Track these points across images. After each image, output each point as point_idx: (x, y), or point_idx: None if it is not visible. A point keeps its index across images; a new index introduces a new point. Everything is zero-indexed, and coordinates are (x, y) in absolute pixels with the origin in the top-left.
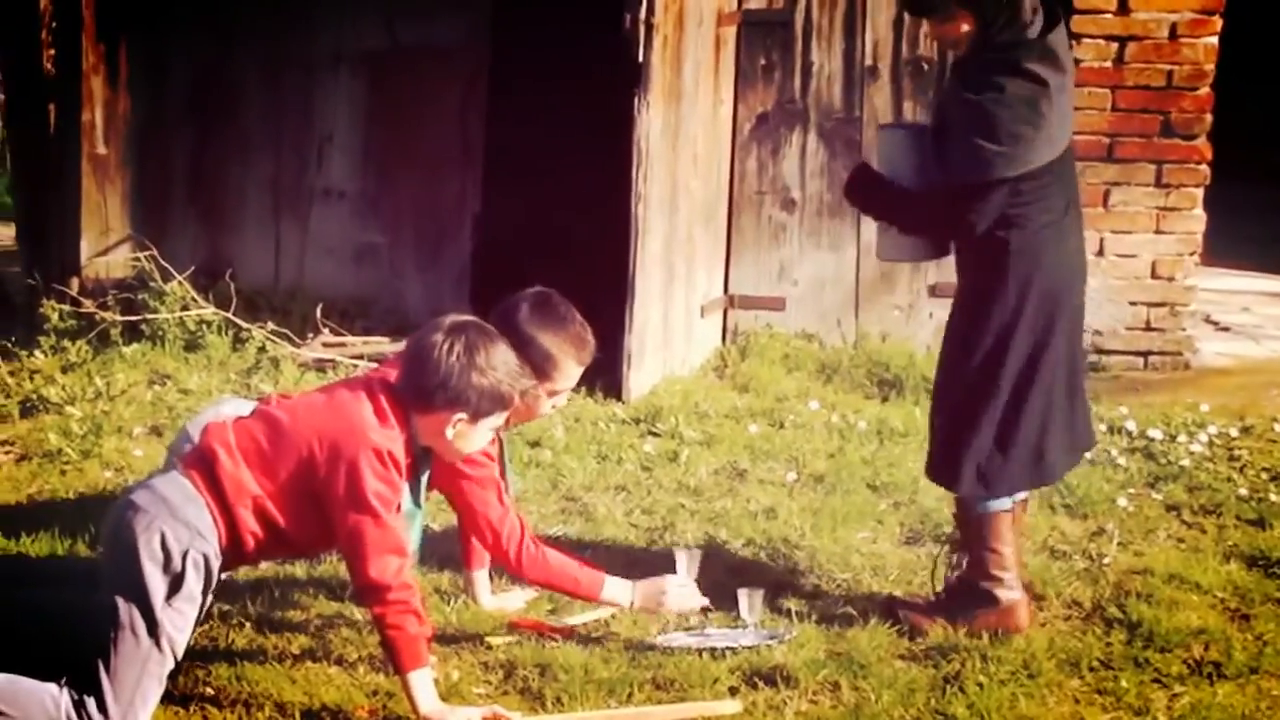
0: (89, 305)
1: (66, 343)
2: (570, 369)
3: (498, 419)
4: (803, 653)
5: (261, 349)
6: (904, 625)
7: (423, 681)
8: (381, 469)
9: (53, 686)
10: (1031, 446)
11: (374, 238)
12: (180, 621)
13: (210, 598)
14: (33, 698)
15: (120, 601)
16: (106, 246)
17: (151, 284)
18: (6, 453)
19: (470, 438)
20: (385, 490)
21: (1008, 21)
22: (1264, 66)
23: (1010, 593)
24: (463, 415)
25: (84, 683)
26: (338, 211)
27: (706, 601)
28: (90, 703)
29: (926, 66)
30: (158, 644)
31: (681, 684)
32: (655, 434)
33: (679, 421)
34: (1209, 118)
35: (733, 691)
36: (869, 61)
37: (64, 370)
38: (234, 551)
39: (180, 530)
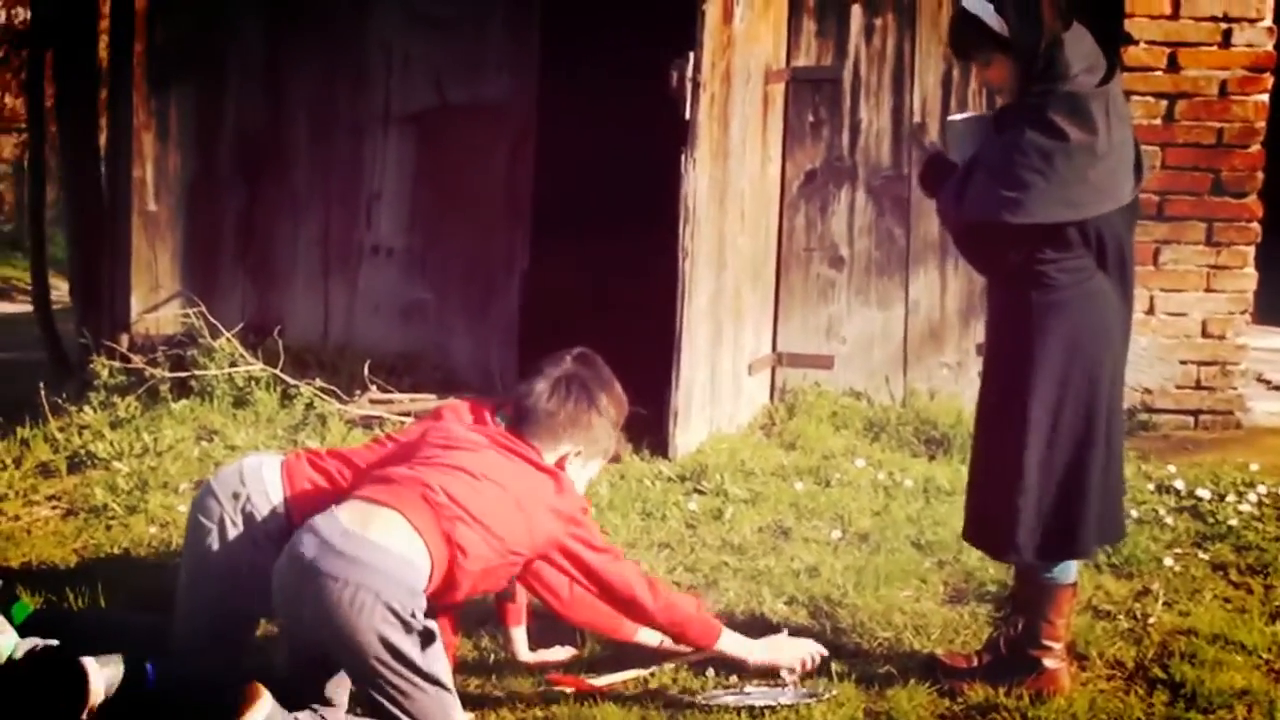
0: (138, 361)
1: (116, 399)
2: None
3: (598, 464)
4: (842, 711)
5: (309, 405)
6: (944, 685)
7: (729, 642)
8: (584, 515)
9: None
10: (1090, 513)
11: (422, 294)
12: (435, 653)
13: None
14: None
15: (387, 673)
16: (156, 303)
17: (200, 340)
18: (54, 508)
19: (579, 476)
20: (593, 525)
21: (1045, 69)
22: None
23: (1056, 661)
24: (579, 450)
25: None
26: (386, 269)
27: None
28: None
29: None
30: (443, 687)
31: None
32: (700, 491)
33: (724, 479)
34: (1260, 175)
35: None
36: (917, 118)
37: (113, 426)
38: (441, 598)
39: (405, 597)
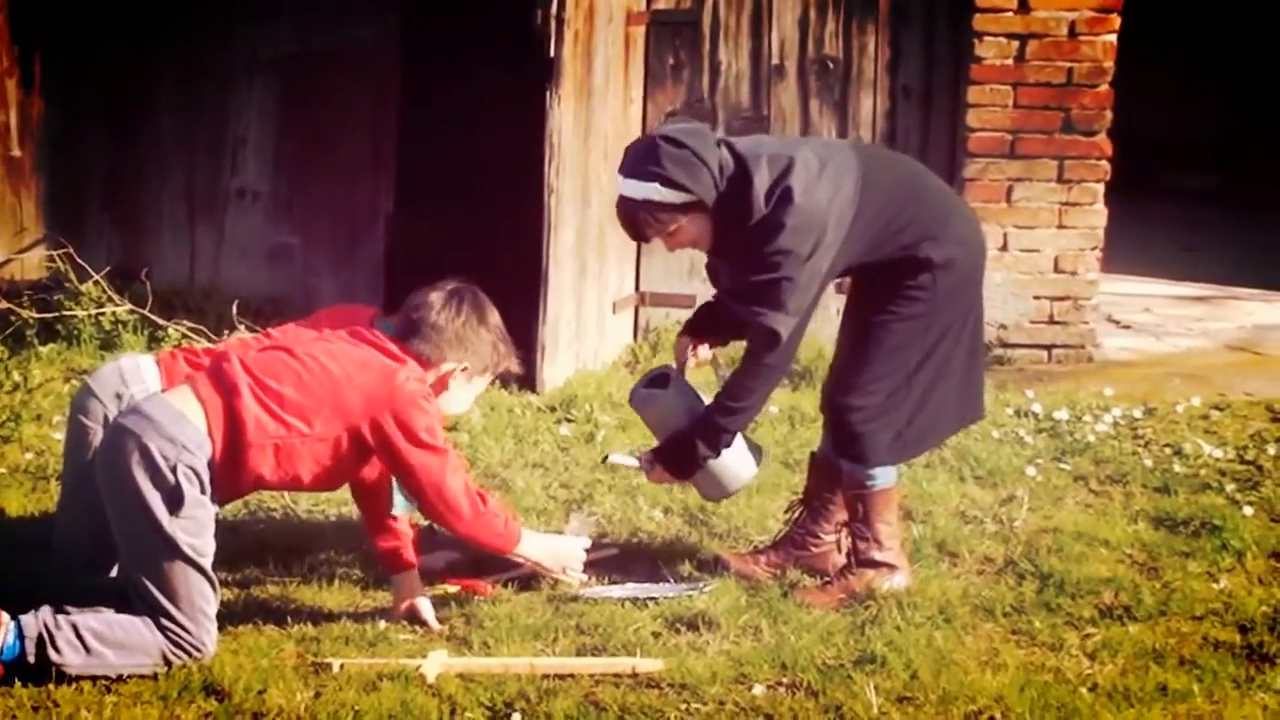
0: (3, 305)
1: None
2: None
3: (485, 380)
4: (723, 601)
5: (177, 346)
6: (731, 573)
7: (529, 540)
8: (425, 403)
9: (137, 618)
10: (934, 415)
11: (288, 238)
12: (194, 527)
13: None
14: (136, 628)
15: (135, 527)
16: (21, 248)
17: (67, 284)
18: None
19: (463, 393)
20: (435, 422)
21: (735, 181)
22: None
23: (901, 558)
24: (466, 366)
25: (148, 607)
26: (252, 213)
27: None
28: (163, 620)
29: (832, 65)
30: (184, 558)
31: (605, 629)
32: (570, 420)
33: (594, 408)
34: (1109, 114)
35: (655, 636)
36: (775, 60)
37: None
38: (233, 481)
39: (166, 446)
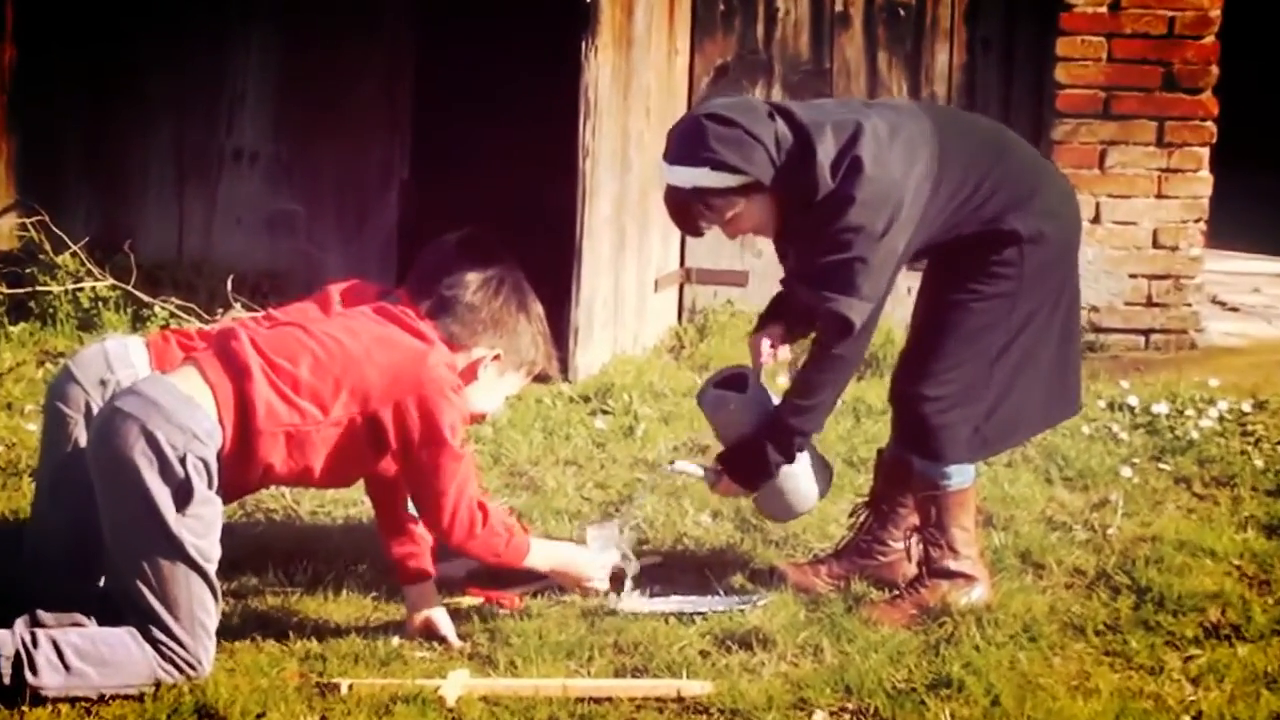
0: None
1: None
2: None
3: (519, 377)
4: (779, 617)
5: (164, 327)
6: (788, 584)
7: (537, 553)
8: (453, 395)
9: (123, 631)
10: (1018, 408)
11: (289, 206)
12: (201, 527)
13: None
14: (122, 642)
15: (134, 524)
16: None
17: (41, 256)
18: None
19: (492, 389)
20: (459, 420)
21: (799, 155)
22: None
23: (980, 568)
24: (499, 354)
25: (139, 616)
26: (249, 177)
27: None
28: (155, 631)
29: (903, 12)
30: (188, 562)
31: (646, 647)
32: (607, 411)
33: (633, 399)
34: (1215, 69)
35: (703, 655)
36: (839, 7)
37: None
38: (240, 474)
39: (175, 434)
